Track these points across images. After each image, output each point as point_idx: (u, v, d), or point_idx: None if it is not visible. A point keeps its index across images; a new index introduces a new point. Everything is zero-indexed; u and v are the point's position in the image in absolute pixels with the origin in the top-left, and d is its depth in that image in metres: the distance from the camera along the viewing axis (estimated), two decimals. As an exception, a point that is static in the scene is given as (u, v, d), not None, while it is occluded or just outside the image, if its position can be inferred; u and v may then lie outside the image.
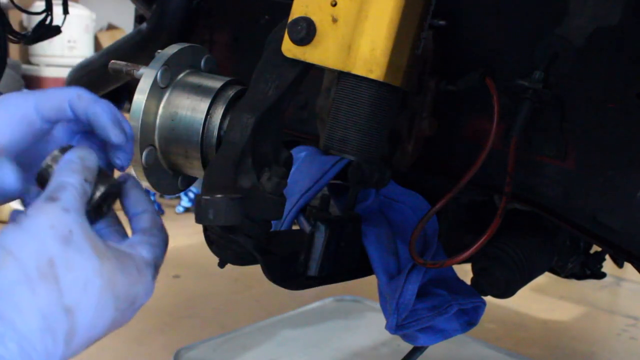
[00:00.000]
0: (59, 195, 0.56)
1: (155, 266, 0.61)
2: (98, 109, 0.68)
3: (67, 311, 0.52)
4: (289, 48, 0.83)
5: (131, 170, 0.83)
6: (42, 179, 0.62)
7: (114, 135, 0.68)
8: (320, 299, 2.57)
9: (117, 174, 0.71)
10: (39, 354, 0.51)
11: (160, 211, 4.24)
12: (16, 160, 0.65)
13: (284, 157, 0.88)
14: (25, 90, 0.71)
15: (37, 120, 0.67)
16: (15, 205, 3.64)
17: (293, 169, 1.04)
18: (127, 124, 0.72)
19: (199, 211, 0.79)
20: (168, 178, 0.92)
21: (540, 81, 0.93)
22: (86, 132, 0.72)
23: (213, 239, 1.00)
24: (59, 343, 0.52)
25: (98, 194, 0.62)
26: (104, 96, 0.76)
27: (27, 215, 0.55)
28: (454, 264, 0.96)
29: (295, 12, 0.82)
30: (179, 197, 4.47)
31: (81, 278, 0.53)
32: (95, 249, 0.55)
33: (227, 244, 0.99)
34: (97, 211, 0.62)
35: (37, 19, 1.65)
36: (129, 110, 0.86)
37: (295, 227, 1.12)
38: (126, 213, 0.66)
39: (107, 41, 4.66)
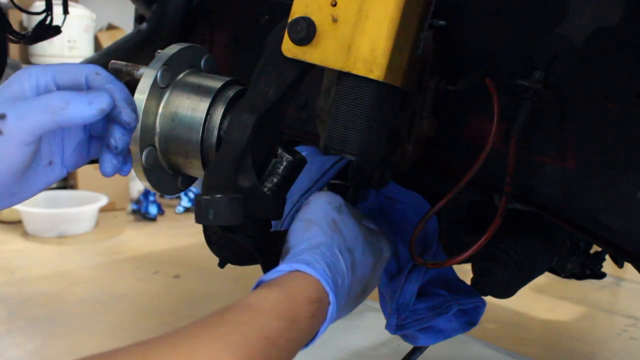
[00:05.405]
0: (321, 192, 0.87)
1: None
2: (114, 87, 0.71)
3: (349, 250, 0.79)
4: (289, 48, 0.83)
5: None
6: None
7: (126, 114, 0.72)
8: (320, 299, 2.56)
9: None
10: (342, 273, 0.76)
11: (160, 211, 4.24)
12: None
13: (284, 157, 0.88)
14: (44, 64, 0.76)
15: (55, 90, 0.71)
16: (20, 206, 3.63)
17: (293, 169, 1.04)
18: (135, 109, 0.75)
19: (199, 211, 0.79)
20: (168, 178, 0.92)
21: (540, 81, 0.93)
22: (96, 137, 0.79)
23: (213, 239, 1.00)
24: (348, 271, 0.77)
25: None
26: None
27: (313, 197, 0.84)
28: (454, 264, 0.96)
29: (295, 12, 0.82)
30: (179, 197, 4.47)
31: (353, 232, 0.81)
32: (355, 217, 0.84)
33: (227, 244, 0.99)
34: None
35: (37, 19, 1.65)
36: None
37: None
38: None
39: (107, 41, 4.64)
